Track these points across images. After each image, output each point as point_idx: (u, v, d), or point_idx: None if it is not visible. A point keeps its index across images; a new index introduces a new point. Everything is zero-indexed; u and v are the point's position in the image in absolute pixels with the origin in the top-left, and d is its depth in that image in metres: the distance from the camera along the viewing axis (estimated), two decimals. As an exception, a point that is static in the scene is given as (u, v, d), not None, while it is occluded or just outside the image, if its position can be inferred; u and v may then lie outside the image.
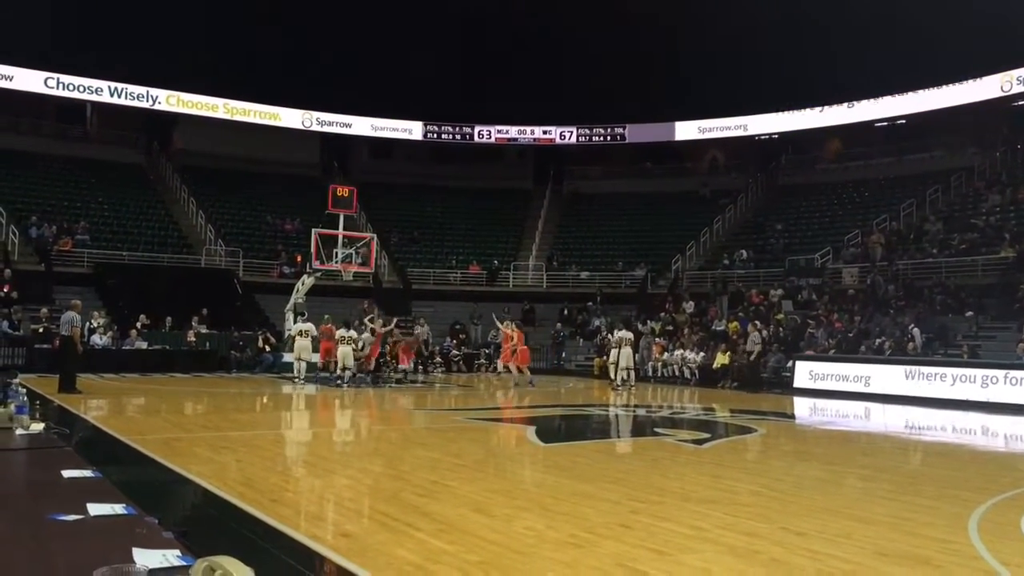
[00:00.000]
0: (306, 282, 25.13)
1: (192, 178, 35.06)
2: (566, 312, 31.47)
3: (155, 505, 5.33)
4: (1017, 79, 30.20)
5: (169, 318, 25.41)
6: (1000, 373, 17.64)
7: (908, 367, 19.35)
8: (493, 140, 40.29)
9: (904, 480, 8.53)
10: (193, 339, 24.78)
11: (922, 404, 17.62)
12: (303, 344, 20.78)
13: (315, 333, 21.25)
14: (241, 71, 36.22)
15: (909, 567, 4.95)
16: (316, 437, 11.78)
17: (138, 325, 24.09)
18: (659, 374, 24.98)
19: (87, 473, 4.43)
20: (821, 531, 6.17)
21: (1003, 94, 30.80)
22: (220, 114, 36.53)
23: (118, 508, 3.40)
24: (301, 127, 38.11)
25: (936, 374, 18.73)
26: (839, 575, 4.80)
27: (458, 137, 40.17)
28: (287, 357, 22.41)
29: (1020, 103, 31.29)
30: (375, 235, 29.22)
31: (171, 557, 2.62)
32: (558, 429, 13.57)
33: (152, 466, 7.96)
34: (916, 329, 21.21)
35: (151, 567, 2.36)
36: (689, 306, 28.81)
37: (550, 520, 5.99)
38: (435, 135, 40.07)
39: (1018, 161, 30.51)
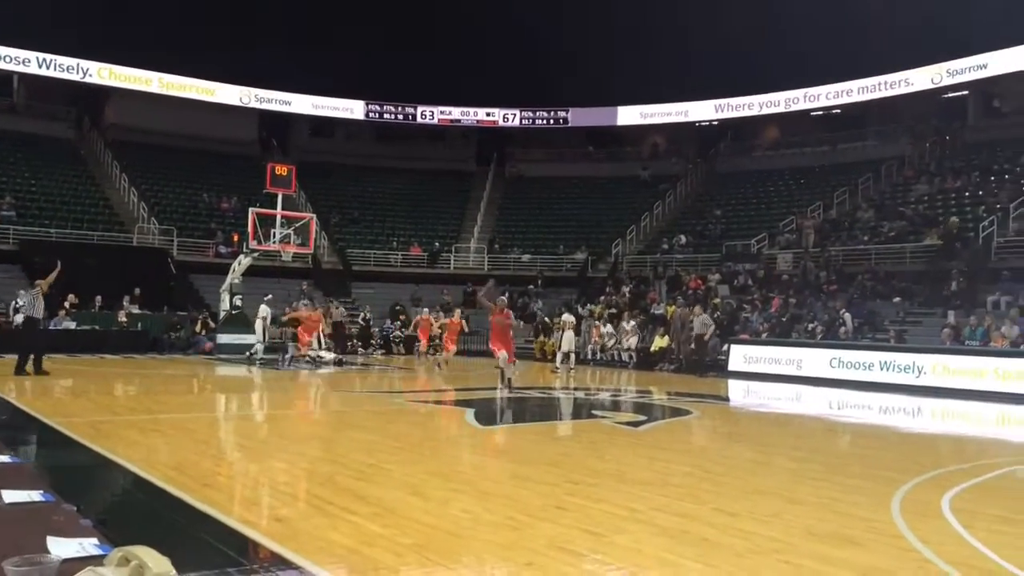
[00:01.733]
0: (243, 262, 24.66)
1: (125, 154, 34.06)
2: (507, 295, 31.46)
3: (77, 491, 5.18)
4: (947, 72, 31.09)
5: (99, 298, 24.71)
6: (925, 358, 18.21)
7: (837, 351, 19.86)
8: (436, 121, 40.01)
9: (833, 461, 8.75)
10: (124, 320, 24.16)
11: (851, 387, 18.10)
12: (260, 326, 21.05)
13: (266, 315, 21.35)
14: (177, 45, 35.28)
15: (835, 546, 5.08)
16: (251, 420, 11.59)
17: (66, 305, 23.37)
18: (598, 357, 25.20)
19: (4, 459, 4.28)
20: (752, 511, 6.28)
21: (933, 86, 31.70)
22: (154, 88, 35.53)
23: (35, 495, 3.28)
24: (239, 104, 37.30)
25: (864, 358, 19.26)
26: (768, 553, 4.89)
27: (401, 117, 39.79)
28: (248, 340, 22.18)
29: (949, 95, 32.25)
30: (315, 215, 28.77)
31: (88, 546, 2.53)
32: (496, 412, 13.59)
33: (77, 450, 7.73)
34: (848, 314, 21.75)
35: (65, 557, 2.27)
36: (628, 290, 29.09)
37: (487, 503, 5.99)
38: (377, 115, 39.62)
39: (946, 151, 31.43)
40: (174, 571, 1.95)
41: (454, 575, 4.30)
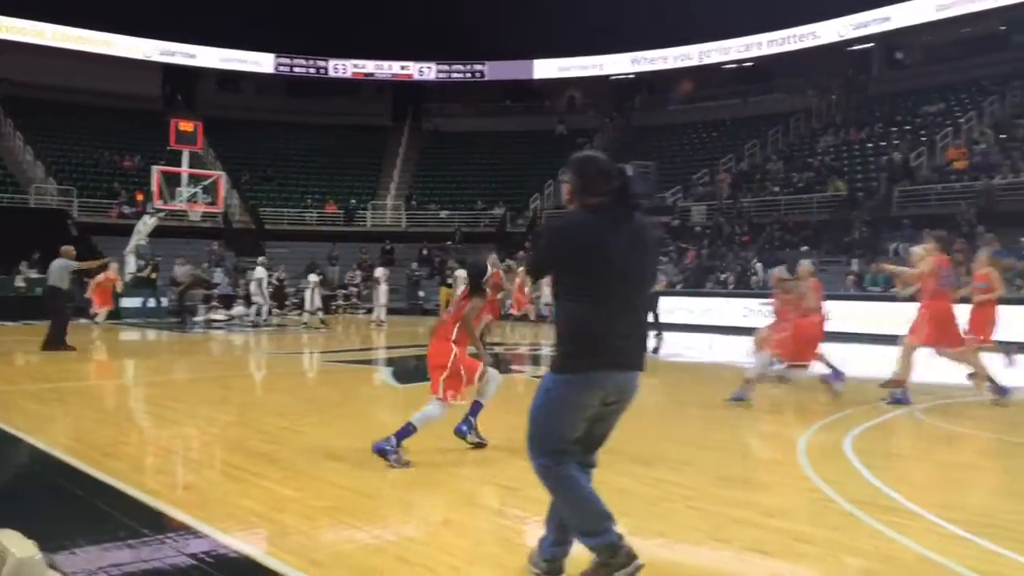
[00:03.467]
0: (148, 223, 23.79)
1: (18, 110, 32.26)
2: (425, 252, 31.26)
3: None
4: (852, 25, 31.80)
5: (-6, 262, 23.53)
6: (831, 304, 18.80)
7: (749, 300, 20.37)
8: (349, 75, 39.06)
9: (743, 408, 8.98)
10: (23, 285, 23.08)
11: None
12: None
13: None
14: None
15: (744, 490, 5.21)
16: (159, 386, 11.23)
17: (-41, 270, 22.20)
18: (517, 312, 25.23)
19: None
20: (665, 459, 6.41)
21: (839, 39, 32.41)
22: (47, 41, 33.66)
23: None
24: (140, 57, 35.66)
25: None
26: (679, 500, 4.99)
27: (312, 71, 38.71)
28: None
29: (855, 48, 33.03)
30: (224, 173, 27.92)
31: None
32: (415, 370, 13.51)
33: (-29, 423, 7.36)
34: (759, 263, 22.31)
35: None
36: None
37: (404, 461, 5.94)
38: (287, 68, 38.46)
39: (851, 104, 32.29)
40: (39, 554, 1.84)
41: (368, 536, 4.25)
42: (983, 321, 9.59)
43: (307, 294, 21.74)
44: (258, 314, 21.33)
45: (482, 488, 5.29)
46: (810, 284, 9.87)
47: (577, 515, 3.43)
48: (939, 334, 8.80)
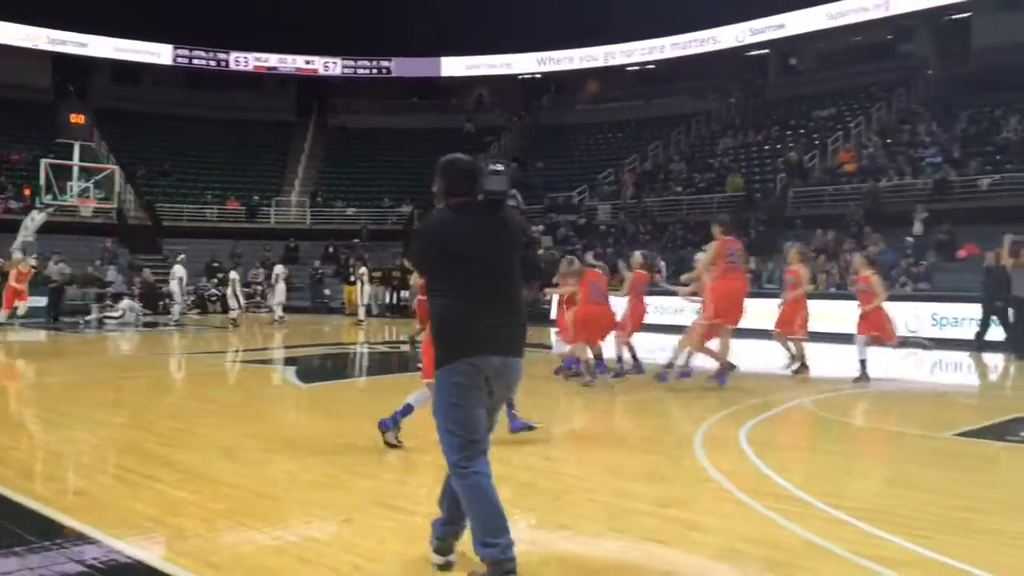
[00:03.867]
0: (36, 218, 22.65)
1: None
2: (331, 250, 30.83)
3: None
4: (750, 31, 32.85)
5: None
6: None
7: (653, 298, 20.79)
8: (252, 68, 38.11)
9: (647, 402, 9.21)
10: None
11: (667, 332, 19.01)
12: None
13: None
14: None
15: (641, 482, 5.36)
16: (49, 388, 10.76)
17: None
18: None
19: None
20: (569, 455, 6.53)
21: (738, 44, 33.45)
22: (-79, 26, 31.72)
23: None
24: (28, 45, 33.95)
25: (678, 304, 20.29)
26: (580, 492, 5.10)
27: (213, 63, 37.61)
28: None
29: (752, 53, 34.14)
30: (118, 167, 26.89)
31: None
32: (319, 369, 13.36)
33: None
34: (662, 262, 22.81)
35: None
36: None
37: (305, 462, 5.88)
38: (187, 60, 37.25)
39: (749, 107, 33.36)
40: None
41: (268, 537, 4.20)
42: (792, 315, 10.26)
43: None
44: (183, 313, 21.45)
45: (389, 487, 5.29)
46: (631, 276, 10.41)
47: (477, 523, 3.56)
48: (727, 311, 9.41)
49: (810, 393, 9.16)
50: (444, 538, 3.77)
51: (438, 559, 3.77)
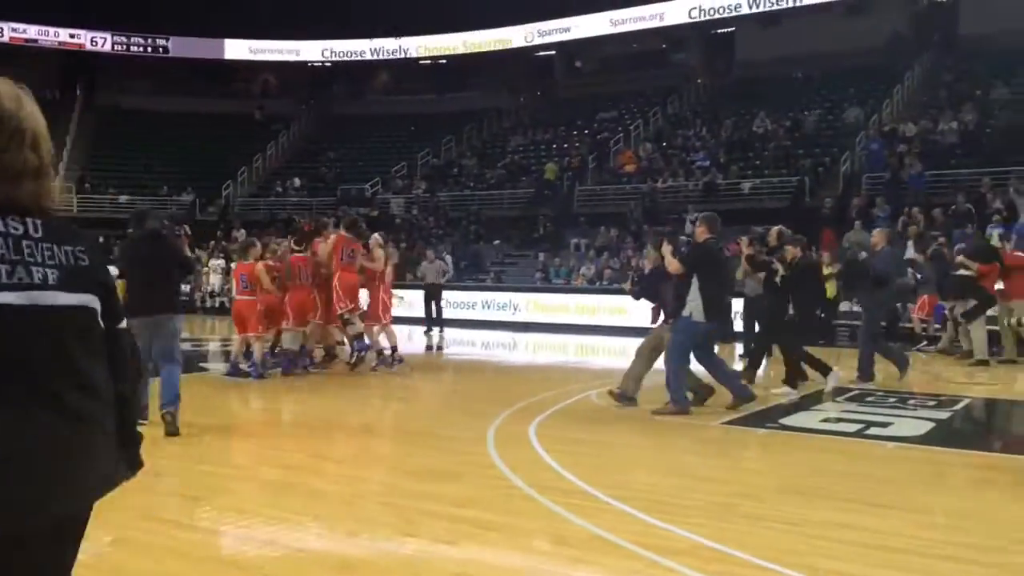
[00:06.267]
0: None
1: None
2: (101, 239, 28.48)
3: None
4: (538, 32, 33.85)
5: None
6: (520, 296, 19.99)
7: (445, 292, 20.96)
8: (7, 39, 34.39)
9: (436, 400, 9.24)
10: None
11: (456, 326, 19.23)
12: None
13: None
14: None
15: (434, 482, 5.34)
16: None
17: None
18: (215, 305, 23.86)
19: None
20: (358, 456, 6.41)
21: (527, 44, 34.35)
22: None
23: None
24: None
25: (467, 298, 20.61)
26: (371, 496, 5.01)
27: (-43, 31, 33.64)
28: None
29: (541, 54, 35.21)
30: None
31: None
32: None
33: None
34: (449, 257, 23.00)
35: None
36: (241, 234, 27.89)
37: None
38: (-76, 25, 33.08)
39: (537, 106, 34.38)
40: None
41: (22, 567, 3.77)
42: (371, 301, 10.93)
43: None
44: None
45: (164, 500, 4.92)
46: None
47: None
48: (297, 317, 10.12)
49: (597, 385, 9.54)
50: None
51: None
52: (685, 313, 7.67)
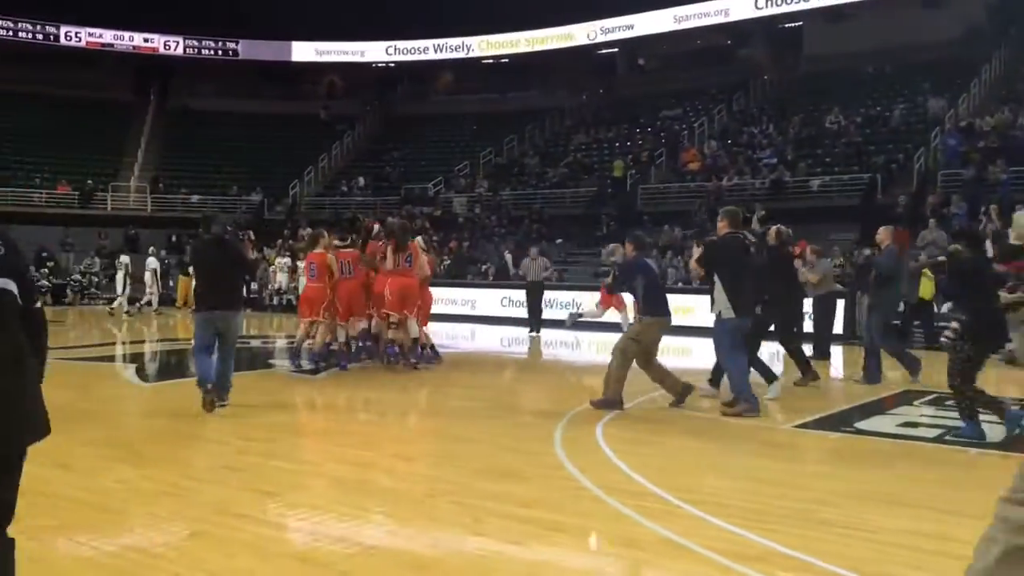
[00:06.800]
0: None
1: None
2: (174, 239, 29.32)
3: None
4: (601, 29, 33.68)
5: None
6: (584, 294, 19.88)
7: (507, 291, 21.04)
8: (84, 44, 35.64)
9: (504, 398, 9.24)
10: None
11: (521, 324, 19.23)
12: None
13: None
14: None
15: (503, 482, 5.34)
16: None
17: None
18: (282, 302, 24.29)
19: None
20: (428, 454, 6.45)
21: (589, 42, 34.22)
22: None
23: None
24: None
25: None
26: (442, 495, 5.03)
27: (40, 37, 34.92)
28: None
29: (603, 51, 35.02)
30: (-71, 147, 24.52)
31: None
32: (163, 366, 12.66)
33: None
34: (509, 255, 23.02)
35: None
36: (307, 233, 28.37)
37: (146, 469, 5.53)
38: (10, 33, 34.40)
39: (600, 104, 34.19)
40: None
41: (106, 556, 3.89)
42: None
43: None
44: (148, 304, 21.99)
45: (239, 495, 5.02)
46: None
47: None
48: (345, 310, 10.56)
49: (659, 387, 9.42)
50: None
51: None
52: (714, 312, 7.66)
